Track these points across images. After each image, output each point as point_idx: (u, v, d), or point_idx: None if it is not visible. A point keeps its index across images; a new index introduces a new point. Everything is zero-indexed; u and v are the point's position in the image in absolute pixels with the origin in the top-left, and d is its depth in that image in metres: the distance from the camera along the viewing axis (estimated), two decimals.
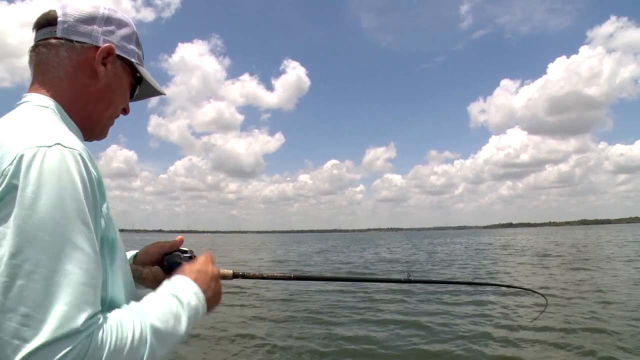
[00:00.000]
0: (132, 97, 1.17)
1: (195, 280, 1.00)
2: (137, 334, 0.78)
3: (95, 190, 0.83)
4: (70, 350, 0.68)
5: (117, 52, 1.04)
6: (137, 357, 0.77)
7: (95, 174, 0.85)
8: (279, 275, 1.44)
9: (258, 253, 37.24)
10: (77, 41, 0.99)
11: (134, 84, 1.14)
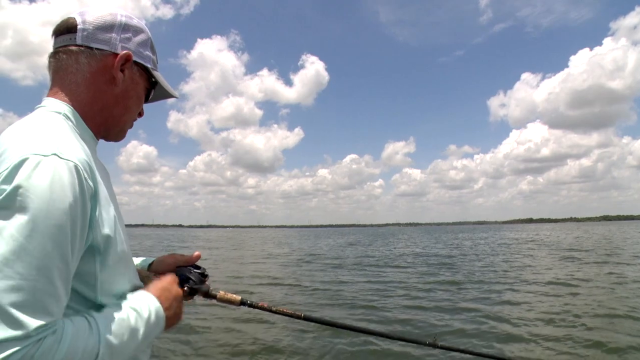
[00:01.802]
0: (146, 100, 1.21)
1: (159, 298, 1.03)
2: (90, 345, 0.82)
3: (85, 202, 0.85)
4: (17, 351, 0.71)
5: (134, 58, 1.09)
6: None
7: (91, 185, 0.88)
8: (288, 311, 1.42)
9: (284, 247, 37.81)
10: (96, 48, 1.03)
11: (149, 88, 1.18)
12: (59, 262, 0.80)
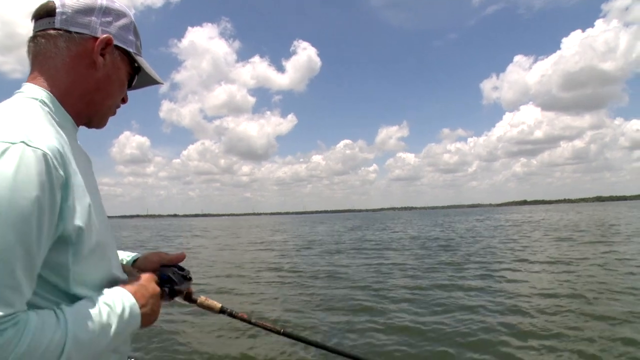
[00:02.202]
0: (130, 87, 1.18)
1: (134, 294, 1.02)
2: (56, 339, 0.80)
3: (54, 192, 0.83)
4: None
5: (116, 42, 1.06)
6: (54, 354, 0.79)
7: (62, 174, 0.85)
8: (268, 325, 1.38)
9: (281, 234, 37.91)
10: (75, 32, 1.01)
11: (132, 74, 1.15)
12: (21, 253, 0.78)
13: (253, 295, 9.55)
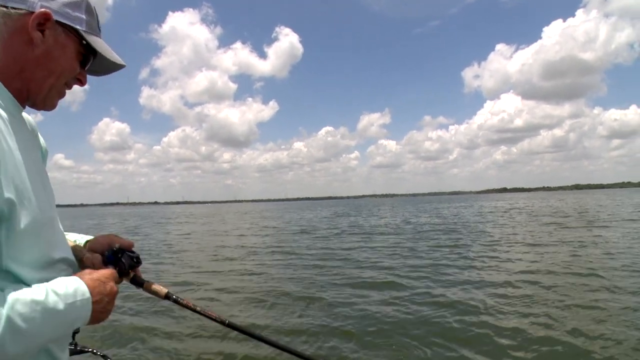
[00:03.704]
0: (85, 68, 1.11)
1: (91, 288, 0.98)
2: None
3: None
4: None
5: (58, 18, 1.00)
6: None
7: None
8: (213, 315, 1.34)
9: (272, 220, 38.15)
10: (12, 7, 0.96)
11: (86, 54, 1.09)
12: None
13: (274, 277, 10.00)
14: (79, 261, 1.17)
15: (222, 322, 1.35)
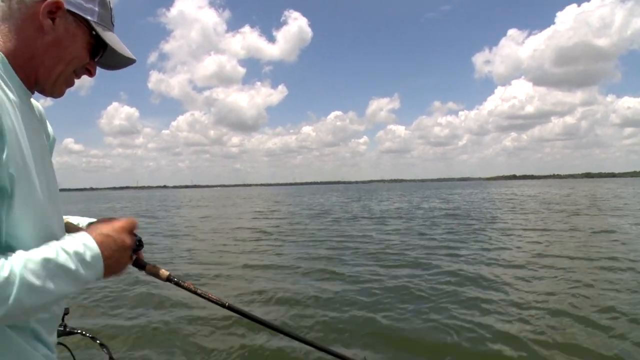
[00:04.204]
0: (95, 59, 1.14)
1: (100, 244, 0.98)
2: (5, 275, 0.78)
3: None
4: None
5: (69, 7, 1.03)
6: (1, 297, 0.78)
7: None
8: (213, 297, 1.35)
9: (283, 204, 38.46)
10: None
11: (96, 45, 1.11)
12: None
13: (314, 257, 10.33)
14: None
15: (222, 305, 1.37)
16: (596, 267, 8.15)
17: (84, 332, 1.61)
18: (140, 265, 1.24)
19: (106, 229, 1.04)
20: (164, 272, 1.26)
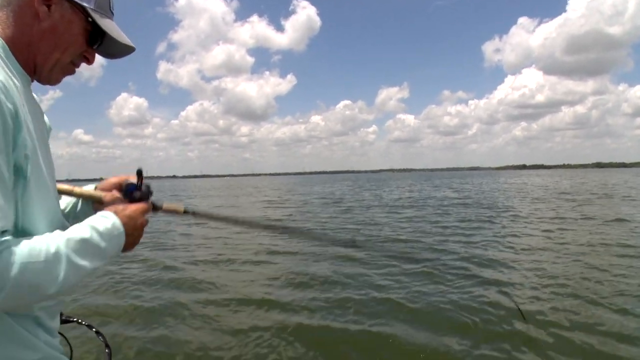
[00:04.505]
0: (93, 47, 1.13)
1: (124, 225, 1.06)
2: (51, 255, 0.83)
3: (7, 120, 0.83)
4: None
5: None
6: (53, 277, 0.83)
7: (10, 106, 0.85)
8: (231, 217, 1.52)
9: (296, 193, 38.78)
10: None
11: (93, 32, 1.10)
12: None
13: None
14: (99, 203, 1.26)
15: (238, 222, 1.58)
16: (612, 253, 8.29)
17: (79, 320, 1.63)
18: (156, 208, 1.31)
19: (129, 211, 1.12)
20: (180, 206, 1.37)
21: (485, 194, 28.34)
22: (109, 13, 1.14)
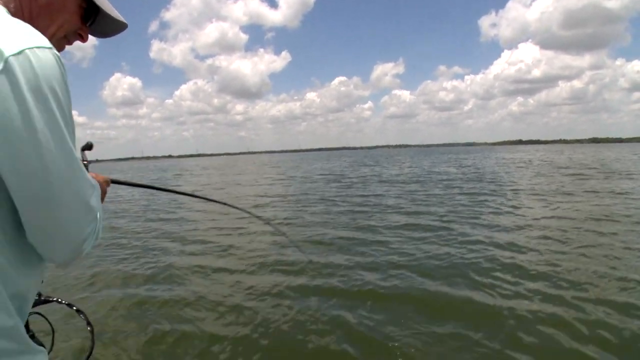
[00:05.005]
0: (87, 24, 1.13)
1: (102, 191, 1.28)
2: (99, 218, 0.97)
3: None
4: (93, 227, 0.93)
5: None
6: (95, 229, 0.95)
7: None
8: (155, 185, 1.68)
9: (295, 170, 39.06)
10: None
11: (87, 9, 1.10)
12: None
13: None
14: None
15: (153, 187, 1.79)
16: (620, 228, 8.47)
17: (59, 300, 1.60)
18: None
19: (100, 178, 1.31)
20: (107, 178, 1.46)
21: (486, 170, 28.55)
22: None
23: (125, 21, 1.20)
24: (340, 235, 8.44)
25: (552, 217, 9.76)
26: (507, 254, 6.68)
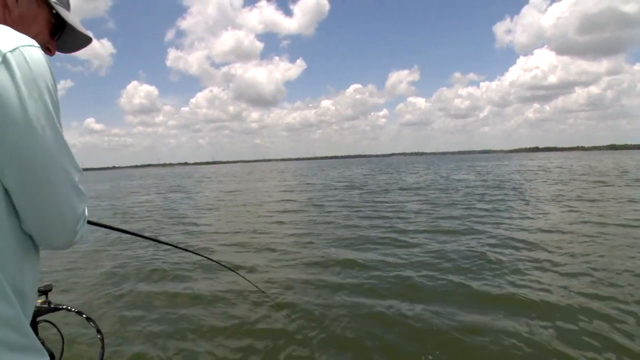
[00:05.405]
0: (55, 38, 1.17)
1: None
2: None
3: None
4: (84, 208, 0.98)
5: None
6: (85, 211, 0.99)
7: None
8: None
9: (313, 178, 39.28)
10: None
11: (56, 25, 1.14)
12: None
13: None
14: None
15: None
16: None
17: (69, 307, 1.59)
18: None
19: None
20: None
21: (503, 177, 28.45)
22: (67, 6, 1.19)
23: (90, 35, 1.24)
24: (371, 239, 8.69)
25: (577, 222, 9.86)
26: (542, 254, 6.91)
